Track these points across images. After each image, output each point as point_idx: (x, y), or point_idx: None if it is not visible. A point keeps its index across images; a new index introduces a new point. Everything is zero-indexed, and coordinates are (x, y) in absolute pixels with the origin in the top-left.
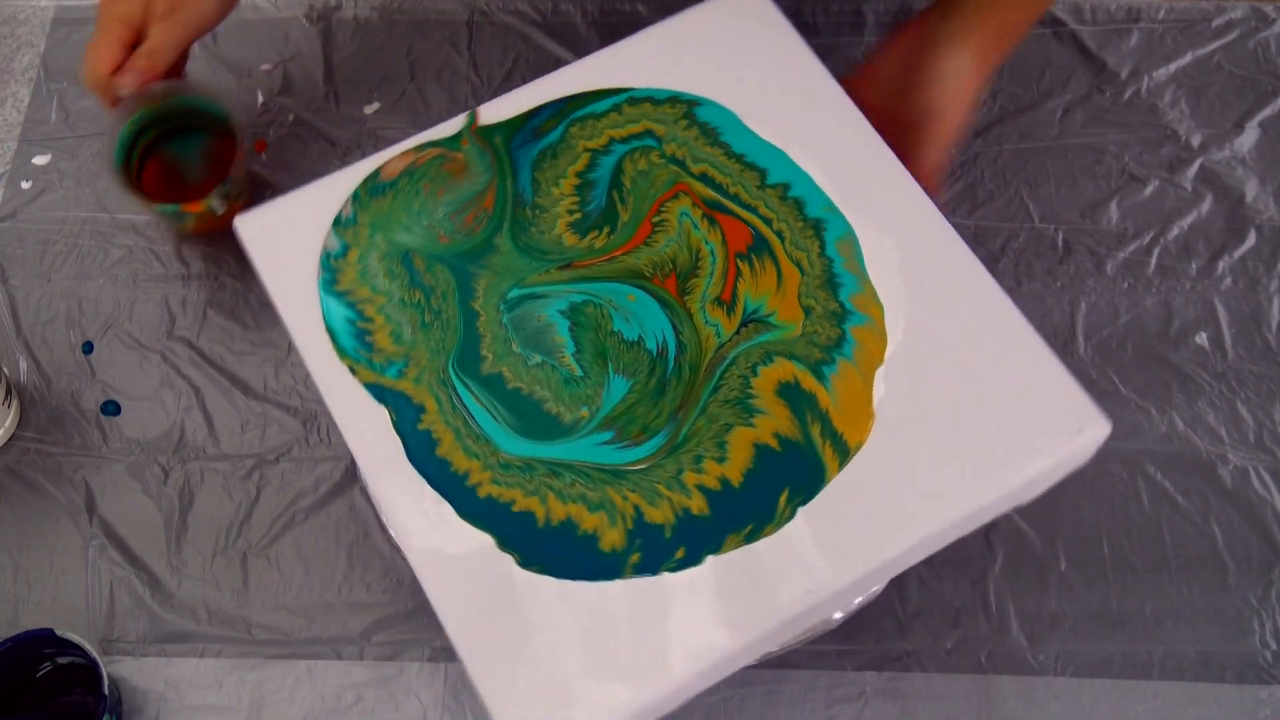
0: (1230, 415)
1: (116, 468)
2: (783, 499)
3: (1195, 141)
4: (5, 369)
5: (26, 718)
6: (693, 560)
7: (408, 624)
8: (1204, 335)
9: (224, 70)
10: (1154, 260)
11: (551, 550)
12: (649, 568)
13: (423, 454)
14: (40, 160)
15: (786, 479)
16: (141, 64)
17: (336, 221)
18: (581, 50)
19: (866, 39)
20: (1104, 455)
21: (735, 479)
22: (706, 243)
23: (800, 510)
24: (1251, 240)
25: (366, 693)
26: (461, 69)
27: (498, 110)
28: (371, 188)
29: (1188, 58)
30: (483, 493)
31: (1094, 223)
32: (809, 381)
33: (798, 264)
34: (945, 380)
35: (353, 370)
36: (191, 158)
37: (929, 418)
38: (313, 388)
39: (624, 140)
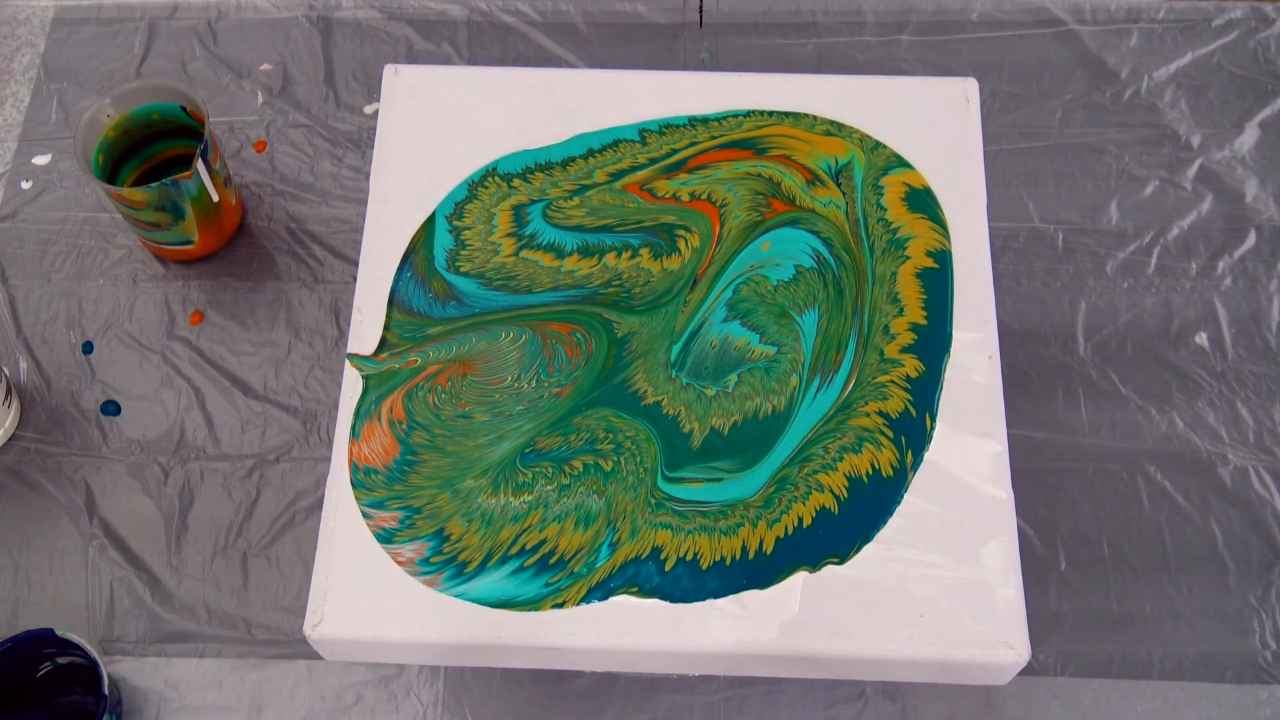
0: (1230, 415)
1: (116, 468)
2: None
3: (1195, 141)
4: (5, 369)
5: (27, 718)
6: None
7: None
8: (1204, 335)
9: (224, 70)
10: (1154, 260)
11: None
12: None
13: None
14: (40, 160)
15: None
16: None
17: None
18: (581, 50)
19: (866, 39)
20: (1104, 455)
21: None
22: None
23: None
24: (1251, 240)
25: (366, 693)
26: None
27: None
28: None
29: (1188, 58)
30: None
31: (1094, 223)
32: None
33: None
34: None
35: None
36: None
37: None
38: (313, 387)
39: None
